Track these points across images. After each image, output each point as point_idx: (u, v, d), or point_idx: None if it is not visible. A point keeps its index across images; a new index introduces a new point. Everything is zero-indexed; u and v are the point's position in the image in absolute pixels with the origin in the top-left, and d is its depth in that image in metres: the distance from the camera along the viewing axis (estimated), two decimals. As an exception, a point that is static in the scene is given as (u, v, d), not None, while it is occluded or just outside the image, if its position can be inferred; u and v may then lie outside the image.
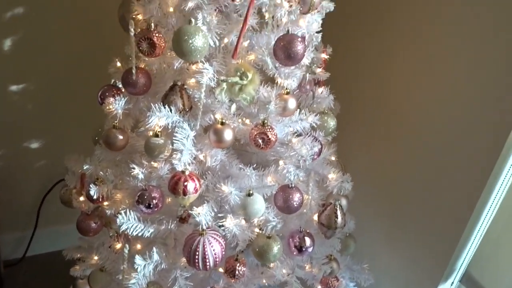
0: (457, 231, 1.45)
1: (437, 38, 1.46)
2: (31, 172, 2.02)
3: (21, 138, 1.95)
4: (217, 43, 1.12)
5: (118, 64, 1.35)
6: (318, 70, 1.41)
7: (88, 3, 1.77)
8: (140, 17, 1.16)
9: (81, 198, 1.41)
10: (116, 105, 1.25)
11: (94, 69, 1.55)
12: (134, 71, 1.21)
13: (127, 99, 1.27)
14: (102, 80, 1.37)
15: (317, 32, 1.26)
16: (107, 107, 1.26)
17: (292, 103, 1.22)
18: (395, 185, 1.70)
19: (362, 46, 1.77)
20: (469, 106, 1.36)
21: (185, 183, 1.11)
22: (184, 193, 1.11)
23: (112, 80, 1.38)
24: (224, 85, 1.14)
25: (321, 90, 1.42)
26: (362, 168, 1.81)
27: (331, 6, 1.22)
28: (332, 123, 1.43)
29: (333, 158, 1.48)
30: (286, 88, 1.22)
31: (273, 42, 1.16)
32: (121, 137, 1.27)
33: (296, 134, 1.30)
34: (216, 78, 1.13)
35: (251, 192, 1.17)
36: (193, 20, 1.04)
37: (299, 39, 1.13)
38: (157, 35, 1.11)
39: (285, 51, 1.12)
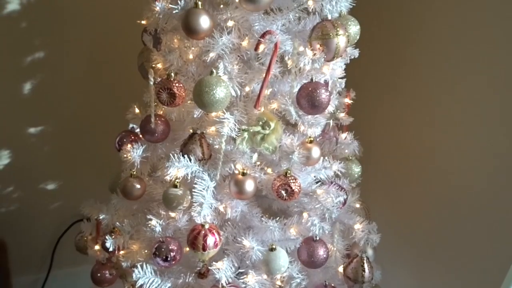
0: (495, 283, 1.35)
1: (459, 80, 1.41)
2: (45, 214, 1.99)
3: (37, 180, 1.93)
4: (239, 92, 1.08)
5: (137, 110, 1.32)
6: (342, 115, 1.36)
7: (107, 49, 1.77)
8: (159, 66, 1.14)
9: (96, 247, 1.36)
10: (134, 153, 1.22)
11: (112, 113, 1.53)
12: (153, 119, 1.18)
13: (145, 146, 1.24)
14: (120, 124, 1.35)
15: (341, 78, 1.22)
16: (125, 155, 1.23)
17: (316, 152, 1.17)
18: (421, 231, 1.62)
19: (384, 89, 1.73)
20: (499, 146, 1.29)
21: (205, 238, 1.06)
22: (204, 249, 1.06)
23: (130, 126, 1.35)
24: (246, 134, 1.10)
25: (344, 136, 1.37)
26: (386, 212, 1.73)
27: (356, 53, 1.19)
28: (357, 169, 1.38)
29: (357, 205, 1.42)
30: (310, 136, 1.17)
31: (296, 90, 1.13)
32: (138, 186, 1.23)
33: (319, 183, 1.24)
34: (237, 127, 1.09)
35: (274, 246, 1.11)
36: (214, 70, 1.01)
37: (324, 87, 1.09)
38: (177, 85, 1.08)
39: (309, 100, 1.08)
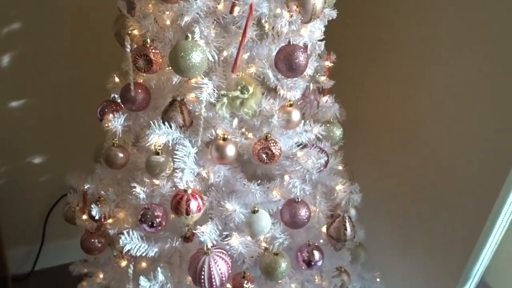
0: (472, 238, 1.40)
1: (444, 41, 1.41)
2: (35, 187, 2.01)
3: (24, 153, 1.93)
4: (216, 56, 1.08)
5: (116, 79, 1.31)
6: (322, 79, 1.36)
7: (87, 17, 1.74)
8: (136, 32, 1.13)
9: (84, 217, 1.38)
10: (115, 122, 1.22)
11: (95, 82, 1.52)
12: (132, 87, 1.18)
13: (127, 115, 1.24)
14: (104, 93, 1.34)
15: (320, 40, 1.21)
16: (106, 125, 1.23)
17: (296, 115, 1.18)
18: (405, 191, 1.66)
19: (367, 51, 1.72)
20: (482, 110, 1.31)
21: (188, 202, 1.08)
22: (187, 213, 1.08)
23: (112, 95, 1.35)
24: (225, 99, 1.10)
25: (325, 99, 1.37)
26: (370, 174, 1.77)
27: (333, 14, 1.18)
28: (338, 132, 1.39)
29: (340, 167, 1.44)
30: (289, 100, 1.18)
31: (274, 53, 1.12)
32: (121, 155, 1.24)
33: (301, 146, 1.26)
34: (216, 93, 1.09)
35: (256, 209, 1.14)
36: (189, 35, 1.00)
37: (301, 49, 1.09)
38: (153, 51, 1.08)
39: (287, 62, 1.08)
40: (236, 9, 1.01)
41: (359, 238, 1.53)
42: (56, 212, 2.03)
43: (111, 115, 1.26)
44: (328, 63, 1.35)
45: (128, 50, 1.12)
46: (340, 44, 1.40)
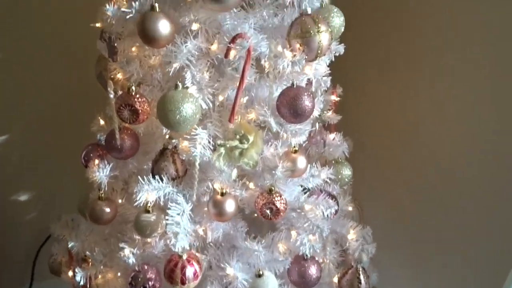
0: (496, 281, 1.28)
1: (443, 43, 1.32)
2: (22, 226, 1.88)
3: (10, 191, 1.81)
4: (211, 103, 0.95)
5: (101, 121, 1.19)
6: (328, 114, 1.24)
7: (73, 45, 1.61)
8: (120, 75, 1.00)
9: (70, 273, 1.25)
10: (101, 173, 1.09)
11: (82, 117, 1.40)
12: (117, 136, 1.05)
13: (114, 163, 1.12)
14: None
15: (326, 76, 1.09)
16: (91, 175, 1.10)
17: (302, 162, 1.05)
18: (418, 226, 1.53)
19: (366, 52, 1.59)
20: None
21: (183, 270, 0.95)
22: (183, 282, 0.95)
23: (98, 136, 1.22)
24: (222, 150, 0.98)
25: (332, 136, 1.25)
26: (381, 210, 1.64)
27: (341, 49, 1.05)
28: (347, 172, 1.27)
29: (350, 208, 1.32)
30: (294, 146, 1.05)
31: (275, 95, 0.99)
32: (108, 210, 1.11)
33: (307, 192, 1.13)
34: (212, 144, 0.97)
35: (261, 272, 1.01)
36: (179, 83, 0.87)
37: (306, 92, 0.96)
38: (139, 99, 0.95)
39: (291, 108, 0.95)
40: (232, 53, 0.88)
41: (373, 282, 1.40)
42: (45, 250, 1.91)
43: (96, 161, 1.14)
44: (334, 97, 1.23)
45: (112, 95, 0.99)
46: (345, 75, 1.27)
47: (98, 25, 1.02)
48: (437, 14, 1.34)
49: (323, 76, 1.08)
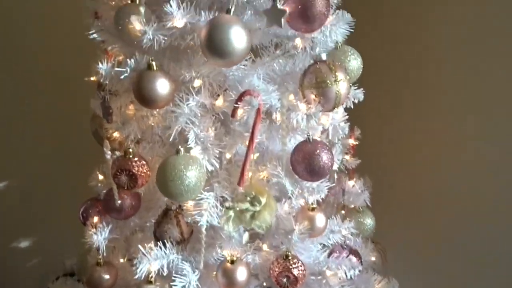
0: None
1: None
2: (23, 273, 1.79)
3: (10, 238, 1.73)
4: (217, 164, 0.85)
5: (100, 176, 1.09)
6: (346, 157, 1.13)
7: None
8: (116, 134, 0.91)
9: None
10: (99, 236, 1.00)
11: (83, 161, 1.32)
12: (116, 196, 0.95)
13: (112, 226, 1.02)
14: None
15: (343, 122, 0.99)
16: (88, 239, 1.01)
17: (321, 220, 0.95)
18: (444, 272, 1.42)
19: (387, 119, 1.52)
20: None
21: None
22: None
23: (98, 187, 1.12)
24: (231, 213, 0.87)
25: (352, 183, 1.14)
26: (403, 252, 1.52)
27: (360, 95, 0.95)
28: (370, 221, 1.16)
29: (373, 259, 1.21)
30: (312, 204, 0.94)
31: (288, 147, 0.89)
32: (107, 276, 1.02)
33: (326, 250, 1.02)
34: (220, 207, 0.86)
35: None
36: (181, 149, 0.77)
37: (324, 148, 0.86)
38: (137, 163, 0.85)
39: (308, 166, 0.85)
40: (240, 112, 0.78)
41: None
42: (48, 297, 1.82)
43: (95, 219, 1.05)
44: (352, 141, 1.12)
45: (108, 156, 0.90)
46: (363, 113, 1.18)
47: (93, 79, 0.94)
48: (454, 53, 1.31)
49: (341, 122, 0.98)
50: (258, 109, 0.77)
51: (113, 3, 0.85)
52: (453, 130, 1.34)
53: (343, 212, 1.14)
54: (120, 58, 0.88)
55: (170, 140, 0.79)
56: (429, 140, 1.41)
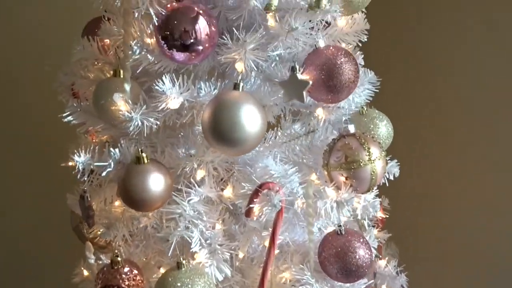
0: None
1: None
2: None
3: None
4: (229, 272, 0.67)
5: (85, 272, 0.91)
6: (375, 232, 0.96)
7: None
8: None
9: None
10: None
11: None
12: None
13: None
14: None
15: (374, 200, 0.82)
16: None
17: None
18: None
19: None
20: None
21: None
22: None
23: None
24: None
25: (383, 263, 0.96)
26: None
27: (396, 169, 0.79)
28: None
29: None
30: (345, 306, 0.77)
31: (315, 236, 0.73)
32: None
33: None
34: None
35: None
36: (183, 262, 0.60)
37: (361, 240, 0.69)
38: (127, 275, 0.67)
39: (340, 264, 0.69)
40: (256, 210, 0.62)
41: None
42: None
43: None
44: (381, 214, 0.96)
45: (92, 261, 0.73)
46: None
47: (71, 164, 0.77)
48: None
49: (372, 200, 0.81)
50: (281, 211, 0.61)
51: (92, 76, 0.70)
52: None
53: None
54: (104, 138, 0.73)
55: (169, 254, 0.61)
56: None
